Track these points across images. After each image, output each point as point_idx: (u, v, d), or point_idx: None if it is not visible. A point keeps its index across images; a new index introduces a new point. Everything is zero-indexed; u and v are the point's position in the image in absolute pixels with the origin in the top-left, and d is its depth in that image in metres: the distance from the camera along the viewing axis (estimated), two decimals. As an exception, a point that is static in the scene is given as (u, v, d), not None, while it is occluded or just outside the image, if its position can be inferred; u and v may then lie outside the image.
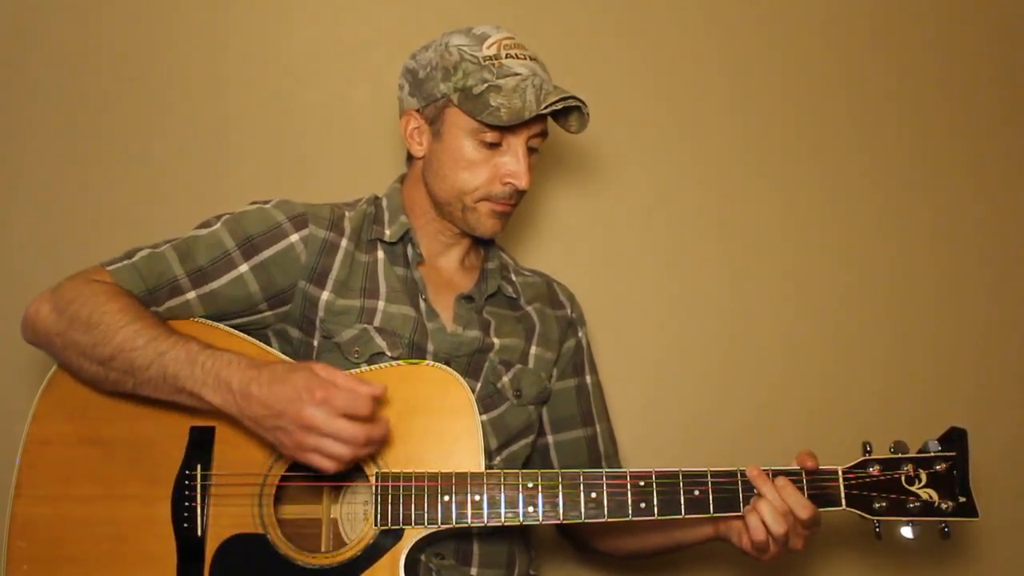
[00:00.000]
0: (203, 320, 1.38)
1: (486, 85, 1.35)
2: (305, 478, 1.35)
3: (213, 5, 1.95)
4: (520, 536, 1.47)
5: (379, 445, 1.24)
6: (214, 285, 1.37)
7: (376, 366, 1.34)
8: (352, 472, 1.34)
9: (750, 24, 2.07)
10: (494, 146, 1.39)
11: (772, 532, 1.27)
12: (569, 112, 1.42)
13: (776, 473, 1.30)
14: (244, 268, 1.37)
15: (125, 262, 1.36)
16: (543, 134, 1.43)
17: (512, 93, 1.34)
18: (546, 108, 1.34)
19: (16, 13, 1.91)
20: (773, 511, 1.26)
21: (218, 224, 1.39)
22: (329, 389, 1.17)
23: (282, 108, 1.94)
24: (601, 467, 1.56)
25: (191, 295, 1.36)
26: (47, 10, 1.91)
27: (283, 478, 1.29)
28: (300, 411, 1.16)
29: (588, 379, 1.60)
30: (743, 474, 1.29)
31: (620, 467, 1.59)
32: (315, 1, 1.98)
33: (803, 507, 1.27)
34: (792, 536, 1.29)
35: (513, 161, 1.39)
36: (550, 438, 1.56)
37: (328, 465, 1.18)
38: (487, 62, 1.37)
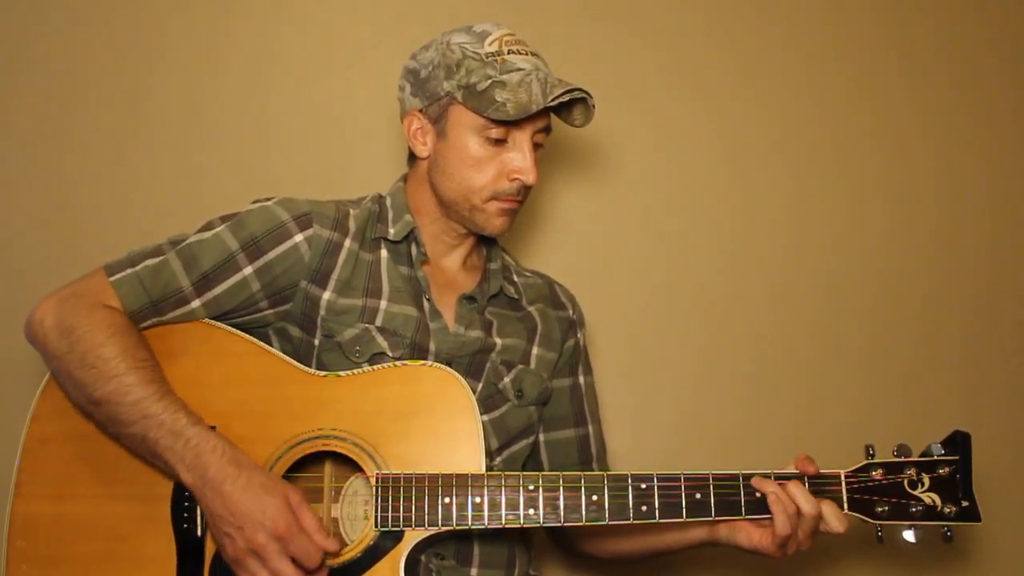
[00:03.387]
0: (205, 321, 1.37)
1: (490, 81, 1.35)
2: (305, 479, 1.35)
3: (213, 5, 1.95)
4: (520, 537, 1.46)
5: None
6: (218, 291, 1.36)
7: (377, 366, 1.34)
8: (352, 472, 1.35)
9: (755, 17, 2.07)
10: (500, 143, 1.38)
11: (779, 533, 1.27)
12: (573, 106, 1.41)
13: (779, 477, 1.29)
14: (248, 271, 1.36)
15: (128, 271, 1.34)
16: (547, 129, 1.42)
17: (517, 88, 1.34)
18: (553, 100, 1.34)
19: (14, 13, 1.90)
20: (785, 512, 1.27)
21: (221, 226, 1.38)
22: (291, 529, 1.19)
23: (283, 108, 1.94)
24: (591, 468, 1.55)
25: (196, 303, 1.36)
26: (45, 8, 1.91)
27: (283, 479, 1.29)
28: (256, 535, 1.18)
29: (582, 379, 1.59)
30: (745, 477, 1.29)
31: (608, 469, 1.59)
32: (315, 1, 1.98)
33: (809, 503, 1.27)
34: (802, 535, 1.29)
35: (520, 157, 1.38)
36: (541, 436, 1.55)
37: None
38: (490, 59, 1.36)
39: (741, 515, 1.28)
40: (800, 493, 1.27)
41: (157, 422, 1.23)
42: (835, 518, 1.28)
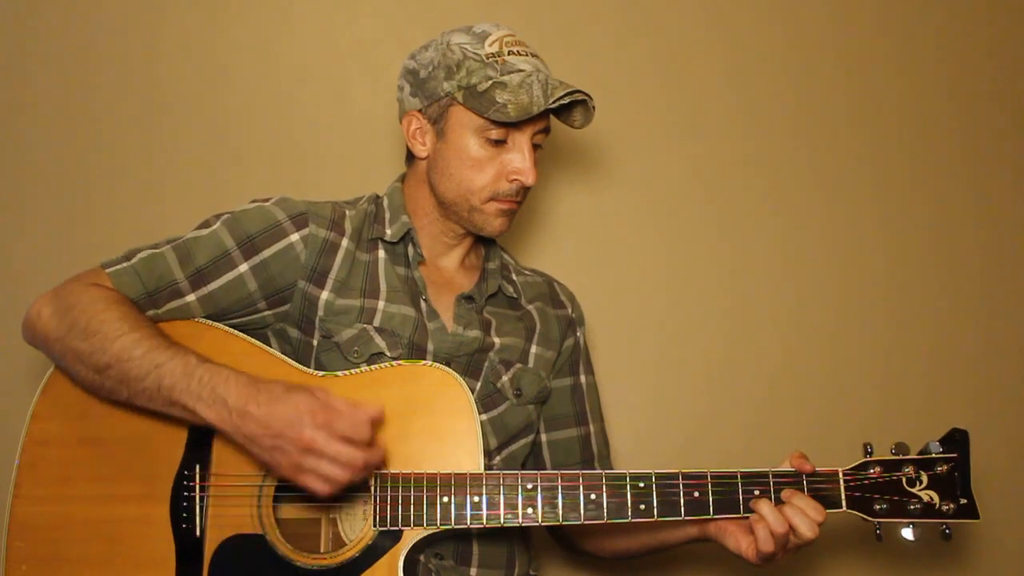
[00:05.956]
0: (203, 320, 1.37)
1: (491, 82, 1.35)
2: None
3: (213, 5, 1.95)
4: (520, 536, 1.46)
5: (375, 470, 1.22)
6: (213, 286, 1.36)
7: (376, 366, 1.34)
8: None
9: (752, 21, 2.07)
10: (499, 143, 1.38)
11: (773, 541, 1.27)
12: (573, 107, 1.41)
13: (777, 475, 1.29)
14: (244, 268, 1.37)
15: (124, 264, 1.35)
16: (546, 130, 1.42)
17: (518, 89, 1.34)
18: (554, 102, 1.34)
19: (16, 13, 1.90)
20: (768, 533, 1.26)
21: (218, 224, 1.39)
22: (329, 412, 1.17)
23: (282, 108, 1.94)
24: (593, 467, 1.56)
25: (191, 297, 1.36)
26: (47, 9, 1.91)
27: (282, 479, 1.29)
28: (300, 432, 1.16)
29: (583, 379, 1.59)
30: (743, 475, 1.29)
31: (612, 467, 1.59)
32: (315, 1, 1.98)
33: (809, 528, 1.26)
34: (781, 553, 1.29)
35: (519, 158, 1.38)
36: (543, 436, 1.55)
37: (323, 488, 1.18)
38: (490, 59, 1.36)
39: (740, 513, 1.28)
40: (796, 515, 1.26)
41: (168, 369, 1.23)
42: (806, 526, 1.26)
